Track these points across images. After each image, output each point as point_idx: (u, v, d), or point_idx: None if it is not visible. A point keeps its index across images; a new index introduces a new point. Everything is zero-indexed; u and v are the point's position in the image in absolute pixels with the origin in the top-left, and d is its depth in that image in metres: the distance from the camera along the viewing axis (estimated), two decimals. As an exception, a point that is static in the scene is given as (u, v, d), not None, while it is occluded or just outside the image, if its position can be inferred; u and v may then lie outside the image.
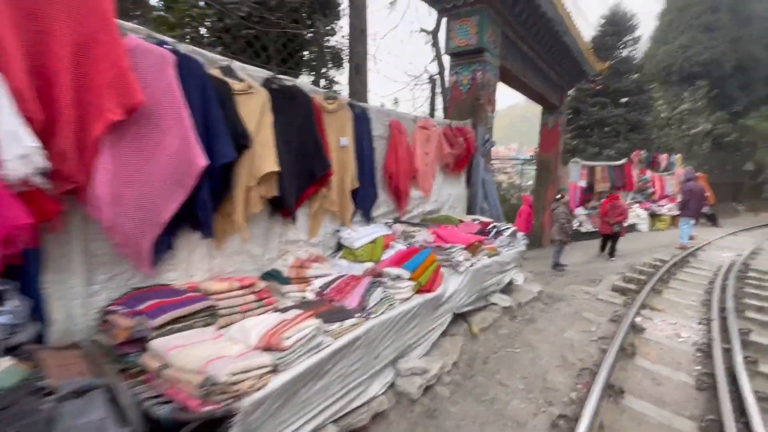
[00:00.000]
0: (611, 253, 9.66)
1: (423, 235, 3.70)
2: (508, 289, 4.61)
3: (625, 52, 16.19)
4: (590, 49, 10.57)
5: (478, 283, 3.71)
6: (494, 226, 4.44)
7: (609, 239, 9.93)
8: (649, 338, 3.83)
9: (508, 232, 4.60)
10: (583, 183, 12.08)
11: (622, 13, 16.45)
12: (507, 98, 40.55)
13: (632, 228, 12.50)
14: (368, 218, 3.69)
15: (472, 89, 5.96)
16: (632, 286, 5.57)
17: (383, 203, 3.95)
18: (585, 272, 8.33)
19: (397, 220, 4.07)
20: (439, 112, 9.75)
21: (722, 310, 4.62)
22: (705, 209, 14.64)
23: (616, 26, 16.30)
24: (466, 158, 5.41)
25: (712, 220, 14.72)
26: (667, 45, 22.13)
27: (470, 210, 5.73)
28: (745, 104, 22.72)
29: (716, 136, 19.59)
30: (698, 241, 10.24)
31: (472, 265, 3.51)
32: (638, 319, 4.20)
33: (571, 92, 17.28)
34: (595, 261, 9.42)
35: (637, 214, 12.68)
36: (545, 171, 11.37)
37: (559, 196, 8.99)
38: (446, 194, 5.12)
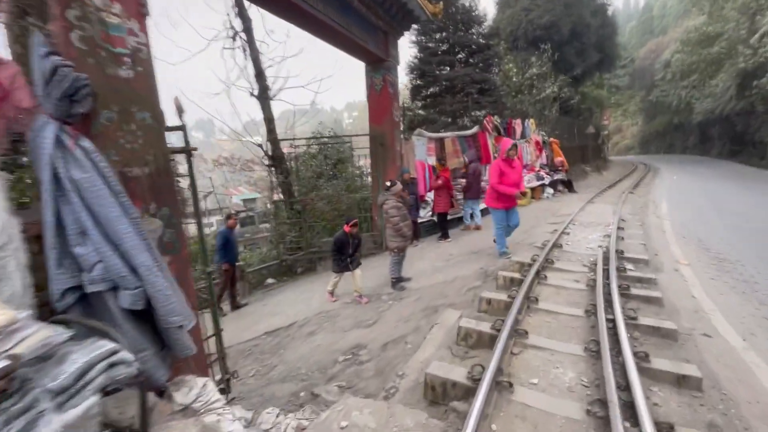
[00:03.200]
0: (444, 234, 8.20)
1: None
2: None
3: (466, 2, 14.28)
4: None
5: None
6: None
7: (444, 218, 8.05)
8: None
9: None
10: (432, 160, 9.56)
11: (457, -46, 14.44)
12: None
13: (493, 207, 10.54)
14: None
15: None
16: (461, 371, 2.65)
17: None
18: (429, 292, 5.60)
19: None
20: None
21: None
22: (561, 176, 13.75)
23: (453, -32, 14.19)
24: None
25: (569, 186, 13.97)
26: (511, 8, 21.74)
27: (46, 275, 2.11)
28: (582, 69, 23.84)
29: (562, 100, 19.72)
30: (562, 217, 8.57)
31: None
32: None
33: (413, 52, 14.73)
34: (447, 264, 6.84)
35: (497, 191, 10.75)
36: (381, 149, 8.45)
37: (388, 183, 6.10)
38: None
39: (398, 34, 8.52)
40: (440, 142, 9.84)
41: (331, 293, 6.17)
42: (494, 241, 6.53)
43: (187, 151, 3.50)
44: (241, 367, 4.70)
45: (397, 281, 6.16)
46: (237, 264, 7.42)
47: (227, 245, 6.97)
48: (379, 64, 8.15)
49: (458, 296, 5.24)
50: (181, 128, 3.40)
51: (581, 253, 5.74)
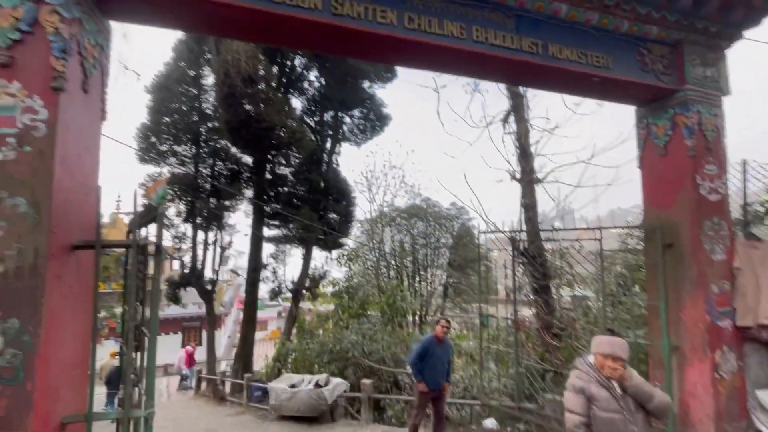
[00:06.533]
0: None
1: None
2: None
3: None
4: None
5: None
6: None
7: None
8: None
9: None
10: None
11: None
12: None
13: None
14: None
15: None
16: None
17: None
18: None
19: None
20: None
21: None
22: None
23: None
24: None
25: None
26: None
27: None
28: None
29: None
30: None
31: None
32: None
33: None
34: None
35: None
36: (668, 254, 4.28)
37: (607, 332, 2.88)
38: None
39: (718, 40, 4.39)
40: None
41: None
42: None
43: (143, 246, 2.69)
44: None
45: None
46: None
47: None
48: (663, 100, 4.42)
49: None
50: (151, 219, 2.68)
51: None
